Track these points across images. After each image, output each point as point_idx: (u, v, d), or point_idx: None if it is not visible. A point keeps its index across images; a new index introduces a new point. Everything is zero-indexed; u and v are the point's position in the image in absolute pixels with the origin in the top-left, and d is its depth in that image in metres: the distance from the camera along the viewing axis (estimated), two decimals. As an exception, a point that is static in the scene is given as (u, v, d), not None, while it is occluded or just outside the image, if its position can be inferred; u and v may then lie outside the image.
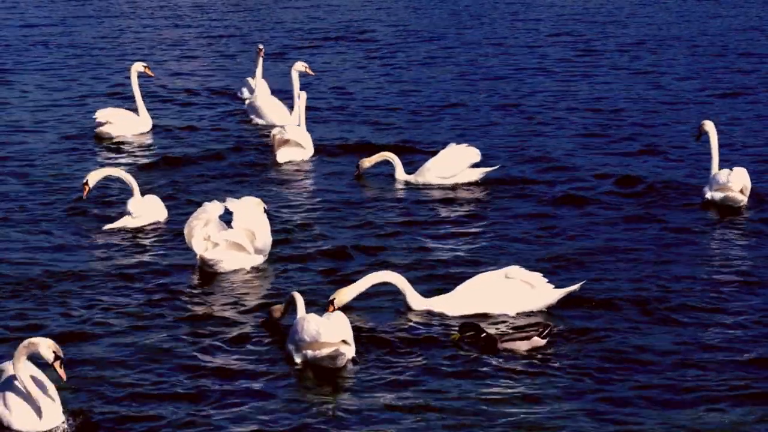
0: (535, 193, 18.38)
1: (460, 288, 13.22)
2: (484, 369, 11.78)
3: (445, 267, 14.83)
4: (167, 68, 29.63)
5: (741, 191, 17.40)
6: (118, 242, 16.11)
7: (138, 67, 22.55)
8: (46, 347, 10.43)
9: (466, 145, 18.94)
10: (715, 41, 33.85)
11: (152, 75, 23.04)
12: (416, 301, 13.16)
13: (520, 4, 42.87)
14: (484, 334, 12.13)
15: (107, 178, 17.50)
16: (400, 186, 18.92)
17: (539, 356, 12.06)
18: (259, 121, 23.22)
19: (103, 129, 22.24)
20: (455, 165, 18.70)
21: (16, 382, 10.58)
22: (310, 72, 23.29)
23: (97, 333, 12.70)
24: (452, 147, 18.92)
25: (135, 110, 22.58)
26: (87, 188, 16.92)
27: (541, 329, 12.17)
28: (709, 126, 18.21)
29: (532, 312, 13.17)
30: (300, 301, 12.41)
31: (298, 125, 20.86)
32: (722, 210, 17.43)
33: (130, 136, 22.27)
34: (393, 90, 26.92)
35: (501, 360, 11.95)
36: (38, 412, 10.49)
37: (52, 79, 28.18)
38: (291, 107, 22.82)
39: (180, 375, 11.68)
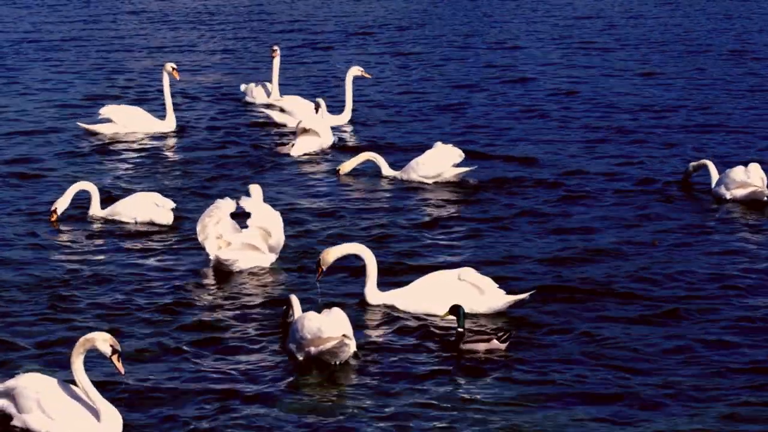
0: (540, 192, 18.39)
1: (413, 284, 13.43)
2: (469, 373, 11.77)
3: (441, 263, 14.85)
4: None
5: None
6: (123, 243, 16.04)
7: (167, 67, 22.42)
8: (103, 341, 10.25)
9: (451, 145, 19.13)
10: (725, 42, 33.72)
11: (178, 77, 22.81)
12: (372, 294, 13.44)
13: (528, 5, 42.82)
14: (460, 329, 12.23)
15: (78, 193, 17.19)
16: (388, 183, 19.18)
17: (536, 357, 12.05)
18: (284, 121, 23.13)
19: (104, 126, 22.31)
20: (439, 165, 18.93)
21: (60, 392, 10.36)
22: (367, 75, 23.65)
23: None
24: (438, 147, 19.12)
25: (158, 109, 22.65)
26: (55, 215, 16.73)
27: (501, 333, 12.23)
28: (701, 163, 18.29)
29: (499, 314, 13.24)
30: (296, 303, 12.50)
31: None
32: (736, 207, 17.50)
33: (140, 135, 22.32)
34: (400, 89, 26.90)
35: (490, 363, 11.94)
36: (98, 417, 10.24)
37: (57, 80, 28.13)
38: (341, 109, 23.34)
39: (185, 375, 11.64)
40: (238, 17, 40.13)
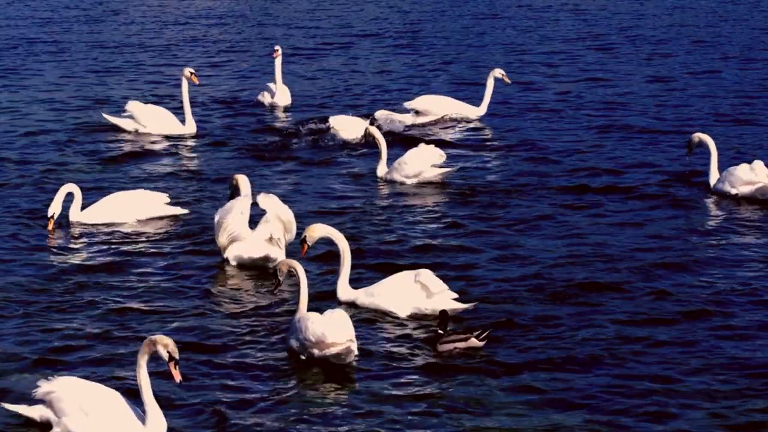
0: (541, 191, 18.42)
1: (378, 283, 13.63)
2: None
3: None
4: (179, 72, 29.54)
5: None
6: (124, 243, 16.09)
7: (185, 72, 22.46)
8: (163, 346, 10.17)
9: (432, 146, 19.36)
10: (735, 42, 33.73)
11: (197, 82, 22.79)
12: (343, 289, 13.68)
13: (535, 5, 42.86)
14: (440, 331, 12.41)
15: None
16: (379, 181, 19.34)
17: (524, 358, 12.12)
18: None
19: (126, 122, 22.51)
20: (419, 165, 19.08)
21: (100, 395, 10.35)
22: (507, 80, 23.72)
23: (100, 337, 12.69)
24: (421, 147, 19.31)
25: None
26: (52, 222, 16.41)
27: (479, 332, 12.32)
28: (704, 137, 18.34)
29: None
30: (300, 270, 12.56)
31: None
32: (741, 204, 17.58)
33: (159, 136, 22.38)
34: (411, 88, 26.85)
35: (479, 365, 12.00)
36: (143, 420, 10.23)
37: (61, 81, 28.15)
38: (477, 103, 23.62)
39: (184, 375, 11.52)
40: (242, 18, 40.16)
